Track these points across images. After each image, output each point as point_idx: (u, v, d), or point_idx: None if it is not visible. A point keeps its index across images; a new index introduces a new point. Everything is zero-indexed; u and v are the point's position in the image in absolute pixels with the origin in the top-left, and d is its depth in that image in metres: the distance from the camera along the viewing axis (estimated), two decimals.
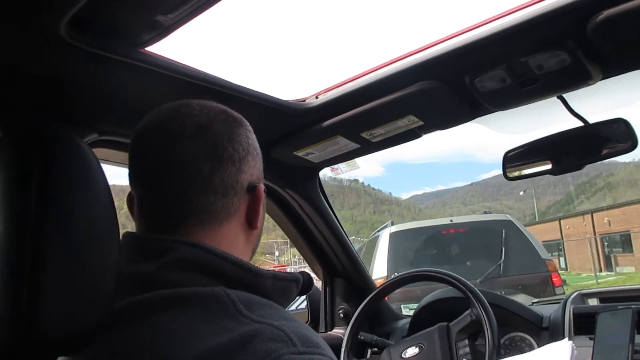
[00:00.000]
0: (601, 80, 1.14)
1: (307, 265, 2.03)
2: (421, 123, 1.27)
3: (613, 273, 23.96)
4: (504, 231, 5.04)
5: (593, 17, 0.89)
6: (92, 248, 0.54)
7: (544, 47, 0.99)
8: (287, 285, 0.68)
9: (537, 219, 54.94)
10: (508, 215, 5.65)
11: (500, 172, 1.43)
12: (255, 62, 1.21)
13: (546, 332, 1.53)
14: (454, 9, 1.08)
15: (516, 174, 1.38)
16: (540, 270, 4.85)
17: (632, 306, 1.35)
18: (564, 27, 0.95)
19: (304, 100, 1.27)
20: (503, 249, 4.88)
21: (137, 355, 0.54)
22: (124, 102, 1.03)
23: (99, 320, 0.54)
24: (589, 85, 1.13)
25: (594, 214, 30.23)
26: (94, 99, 1.01)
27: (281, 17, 1.15)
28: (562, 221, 33.80)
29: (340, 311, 1.90)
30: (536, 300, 2.21)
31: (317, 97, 1.26)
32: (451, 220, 5.55)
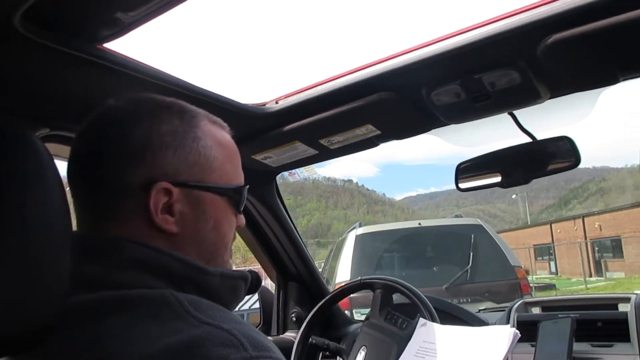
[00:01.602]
0: (549, 99, 1.19)
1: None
2: (379, 132, 1.30)
3: (603, 278, 23.81)
4: (473, 236, 4.91)
5: (543, 40, 0.94)
6: (43, 245, 0.52)
7: (496, 65, 1.03)
8: (235, 284, 0.67)
9: (529, 223, 54.88)
10: (479, 220, 5.51)
11: None
12: (216, 65, 1.21)
13: None
14: (412, 23, 1.11)
15: (468, 185, 1.43)
16: (509, 277, 4.75)
17: (572, 315, 1.41)
18: (516, 48, 0.99)
19: (264, 105, 1.27)
20: (471, 254, 4.76)
21: (82, 358, 0.53)
22: (78, 97, 1.01)
23: (49, 319, 0.53)
24: (538, 103, 1.19)
25: (585, 219, 29.94)
26: (47, 93, 0.98)
27: (245, 21, 1.15)
28: (553, 225, 33.55)
29: (293, 315, 1.91)
30: (482, 307, 2.28)
31: (277, 102, 1.26)
32: (420, 224, 5.43)
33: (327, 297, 1.66)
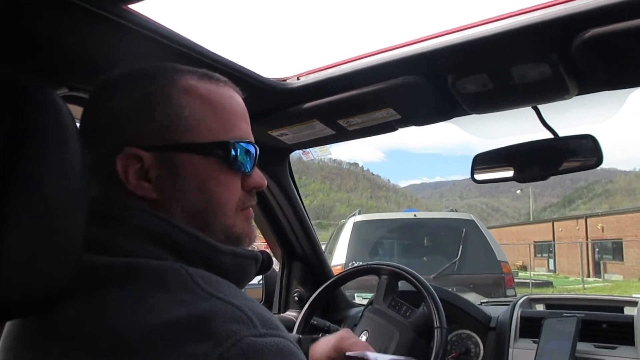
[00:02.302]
0: (577, 95, 1.17)
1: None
2: (399, 117, 1.28)
3: (601, 280, 23.63)
4: (464, 230, 5.10)
5: (580, 34, 0.91)
6: (61, 204, 0.51)
7: (528, 57, 1.01)
8: (246, 263, 0.65)
9: (531, 219, 54.52)
10: (472, 215, 5.69)
11: None
12: (241, 36, 1.19)
13: (493, 332, 1.58)
14: (446, 7, 1.08)
15: (483, 177, 1.41)
16: (495, 271, 4.94)
17: (577, 315, 1.41)
18: (550, 40, 0.96)
19: (285, 80, 1.25)
20: (461, 247, 4.97)
21: (86, 327, 0.52)
22: (99, 58, 0.99)
23: (62, 282, 0.52)
24: (565, 99, 1.16)
25: (588, 219, 29.78)
26: (68, 52, 0.96)
27: None
28: (555, 223, 33.36)
29: (296, 294, 1.91)
30: (485, 300, 2.28)
31: (298, 79, 1.24)
32: (415, 215, 5.63)
33: (332, 279, 1.66)
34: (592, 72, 1.05)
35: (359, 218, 5.43)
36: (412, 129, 1.42)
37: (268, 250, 1.73)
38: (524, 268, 27.25)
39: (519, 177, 1.39)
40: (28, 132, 0.50)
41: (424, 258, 5.16)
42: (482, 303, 2.03)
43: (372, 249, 5.23)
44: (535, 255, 31.38)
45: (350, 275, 1.66)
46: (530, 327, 1.51)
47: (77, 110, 1.11)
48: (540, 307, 1.70)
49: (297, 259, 1.93)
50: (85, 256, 0.56)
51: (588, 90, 1.16)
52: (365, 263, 1.63)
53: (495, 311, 1.68)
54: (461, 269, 4.89)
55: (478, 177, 1.41)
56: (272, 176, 1.63)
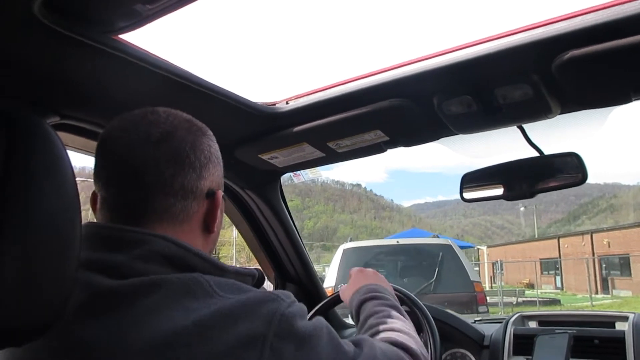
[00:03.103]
0: (560, 114, 1.19)
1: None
2: (387, 138, 1.30)
3: (609, 296, 23.44)
4: (441, 254, 5.68)
5: (559, 56, 0.94)
6: (53, 238, 0.52)
7: (510, 79, 1.03)
8: (244, 280, 0.72)
9: (536, 236, 53.75)
10: (450, 240, 6.29)
11: None
12: (230, 62, 1.24)
13: (487, 351, 1.58)
14: (427, 32, 1.12)
15: (472, 195, 1.43)
16: (468, 290, 5.48)
17: (569, 331, 1.41)
18: (531, 62, 0.99)
19: (274, 105, 1.27)
20: (437, 269, 5.53)
21: (128, 338, 0.56)
22: (91, 87, 1.01)
23: (57, 311, 0.53)
24: (549, 118, 1.19)
25: (593, 235, 29.34)
26: (60, 81, 0.98)
27: (260, 21, 1.16)
28: (561, 240, 33.00)
29: None
30: (479, 318, 2.28)
31: (287, 103, 1.26)
32: (397, 242, 6.38)
33: (326, 301, 1.66)
34: (573, 92, 1.08)
35: (347, 245, 6.15)
36: (413, 149, 1.45)
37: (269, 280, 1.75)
38: (530, 286, 26.98)
39: (507, 195, 1.41)
40: (21, 161, 0.51)
41: (404, 279, 5.69)
42: (475, 321, 2.03)
43: None
44: (541, 273, 31.05)
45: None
46: (524, 344, 1.52)
47: (68, 138, 1.13)
48: (533, 324, 1.71)
49: (290, 281, 1.93)
50: (97, 278, 0.60)
51: (571, 109, 1.19)
52: None
53: (489, 329, 1.68)
54: (437, 288, 5.45)
55: (467, 195, 1.43)
56: (264, 198, 1.64)
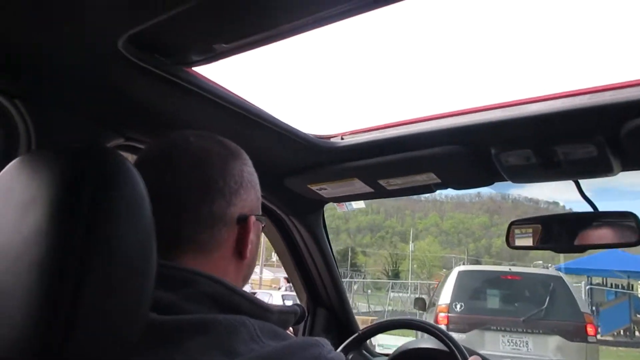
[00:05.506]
0: (620, 172, 1.17)
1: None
2: (439, 181, 1.29)
3: None
4: (552, 284, 5.92)
5: (629, 122, 0.92)
6: (133, 274, 0.53)
7: (575, 138, 1.02)
8: (288, 318, 0.72)
9: None
10: (560, 272, 6.79)
11: None
12: (290, 93, 1.23)
13: None
14: (495, 81, 1.11)
15: (520, 243, 1.41)
16: (578, 320, 5.61)
17: None
18: (598, 124, 0.97)
19: (329, 139, 1.28)
20: (548, 297, 5.71)
21: None
22: (158, 113, 1.04)
23: (129, 349, 0.54)
24: (608, 176, 1.16)
25: None
26: (131, 107, 1.01)
27: (320, 55, 1.16)
28: None
29: None
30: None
31: (342, 138, 1.27)
32: (510, 269, 6.75)
33: (364, 330, 1.64)
34: (637, 154, 1.06)
35: (462, 268, 6.73)
36: None
37: (301, 303, 1.74)
38: None
39: (556, 247, 1.39)
40: (107, 195, 0.51)
41: (515, 304, 6.02)
42: None
43: (472, 293, 6.15)
44: None
45: (377, 329, 1.64)
46: None
47: (130, 159, 1.16)
48: None
49: (322, 306, 1.93)
50: (150, 315, 0.59)
51: (632, 169, 1.16)
52: (396, 318, 1.63)
53: None
54: (548, 315, 5.61)
55: (514, 244, 1.40)
56: (306, 226, 1.64)
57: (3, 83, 0.90)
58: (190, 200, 0.68)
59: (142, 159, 0.73)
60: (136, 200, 0.55)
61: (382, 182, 1.33)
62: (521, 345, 5.50)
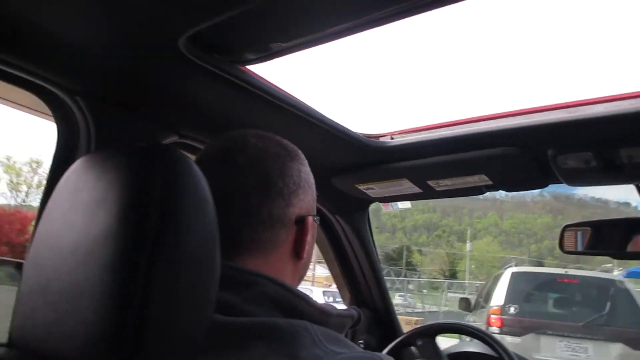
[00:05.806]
0: None
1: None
2: (490, 183, 1.26)
3: None
4: (612, 289, 5.60)
5: None
6: (199, 274, 0.53)
7: None
8: (345, 321, 0.71)
9: None
10: (621, 276, 6.35)
11: None
12: (340, 92, 1.22)
13: None
14: (557, 81, 1.07)
15: (574, 249, 1.36)
16: None
17: None
18: None
19: (378, 138, 1.26)
20: (608, 303, 5.38)
21: None
22: (213, 112, 1.05)
23: (193, 350, 0.54)
24: None
25: None
26: (186, 105, 1.03)
27: (372, 54, 1.15)
28: None
29: (362, 342, 1.89)
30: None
31: (392, 138, 1.25)
32: (566, 272, 6.31)
33: (411, 332, 1.62)
34: None
35: (515, 269, 6.39)
36: None
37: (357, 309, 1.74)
38: None
39: (607, 253, 1.34)
40: (177, 199, 0.52)
41: (573, 308, 5.71)
42: None
43: (526, 296, 5.92)
44: None
45: (426, 331, 1.61)
46: None
47: None
48: None
49: (366, 306, 1.91)
50: (215, 316, 0.59)
51: None
52: (458, 322, 1.61)
53: None
54: (609, 321, 5.26)
55: (568, 248, 1.36)
56: (352, 225, 1.64)
57: (65, 80, 0.93)
58: (250, 201, 0.67)
59: (202, 158, 0.73)
60: (201, 198, 0.54)
61: (431, 182, 1.30)
62: (580, 351, 5.21)
